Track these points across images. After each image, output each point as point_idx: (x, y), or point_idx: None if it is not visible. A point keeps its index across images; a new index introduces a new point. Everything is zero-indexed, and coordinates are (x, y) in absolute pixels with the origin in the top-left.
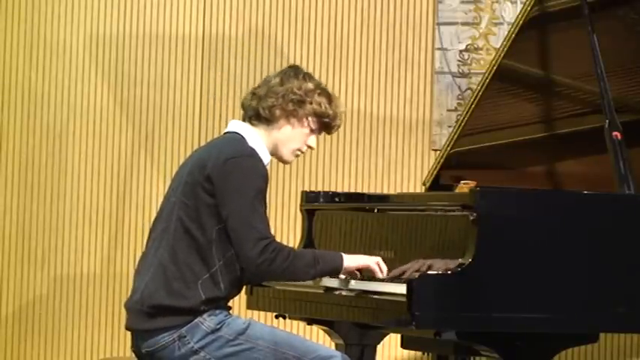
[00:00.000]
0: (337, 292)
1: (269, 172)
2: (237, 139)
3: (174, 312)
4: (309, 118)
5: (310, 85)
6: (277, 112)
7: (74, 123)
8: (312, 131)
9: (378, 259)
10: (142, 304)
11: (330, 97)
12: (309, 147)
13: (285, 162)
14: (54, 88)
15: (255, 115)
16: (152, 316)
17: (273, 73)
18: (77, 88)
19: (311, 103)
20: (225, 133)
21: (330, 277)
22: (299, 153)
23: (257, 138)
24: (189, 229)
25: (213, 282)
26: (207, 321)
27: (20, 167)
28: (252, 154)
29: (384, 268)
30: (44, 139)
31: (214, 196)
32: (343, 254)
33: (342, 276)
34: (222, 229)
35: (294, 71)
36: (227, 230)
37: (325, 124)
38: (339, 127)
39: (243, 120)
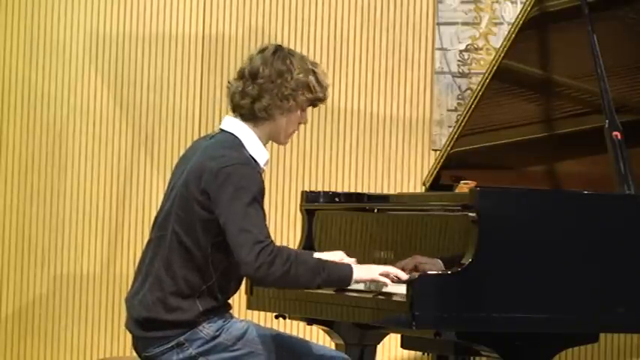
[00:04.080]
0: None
1: (268, 172)
2: (232, 143)
3: (173, 325)
4: (303, 105)
5: (300, 76)
6: (274, 110)
7: (74, 123)
8: (303, 111)
9: (389, 268)
10: (139, 314)
11: (317, 77)
12: (302, 124)
13: (281, 144)
14: (54, 88)
15: (250, 113)
16: (150, 328)
17: (254, 62)
18: (77, 89)
19: (304, 94)
20: (220, 130)
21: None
22: (293, 134)
23: (253, 137)
24: (184, 242)
25: (211, 294)
26: (206, 328)
27: (20, 167)
28: (247, 162)
29: (402, 276)
30: (44, 139)
31: (210, 211)
32: (353, 265)
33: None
34: (217, 243)
35: (280, 57)
36: (225, 240)
37: (315, 105)
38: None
39: (235, 114)
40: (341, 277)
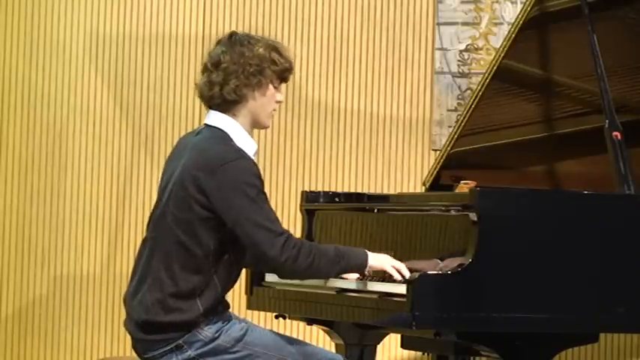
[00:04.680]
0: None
1: (268, 172)
2: (221, 138)
3: (172, 327)
4: (272, 80)
5: (260, 50)
6: (243, 90)
7: (74, 123)
8: (275, 88)
9: (398, 263)
10: (138, 316)
11: (279, 50)
12: (279, 102)
13: (265, 127)
14: (54, 88)
15: (223, 101)
16: (149, 331)
17: (214, 52)
18: (77, 89)
19: (269, 67)
20: (205, 125)
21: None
22: (273, 113)
23: (238, 128)
24: (183, 242)
25: (211, 292)
26: (205, 330)
27: (20, 167)
28: (240, 155)
29: (407, 274)
30: (44, 139)
31: (210, 210)
32: (368, 252)
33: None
34: (217, 241)
35: (238, 40)
36: (235, 238)
37: (285, 78)
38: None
39: (211, 107)
40: (357, 264)
